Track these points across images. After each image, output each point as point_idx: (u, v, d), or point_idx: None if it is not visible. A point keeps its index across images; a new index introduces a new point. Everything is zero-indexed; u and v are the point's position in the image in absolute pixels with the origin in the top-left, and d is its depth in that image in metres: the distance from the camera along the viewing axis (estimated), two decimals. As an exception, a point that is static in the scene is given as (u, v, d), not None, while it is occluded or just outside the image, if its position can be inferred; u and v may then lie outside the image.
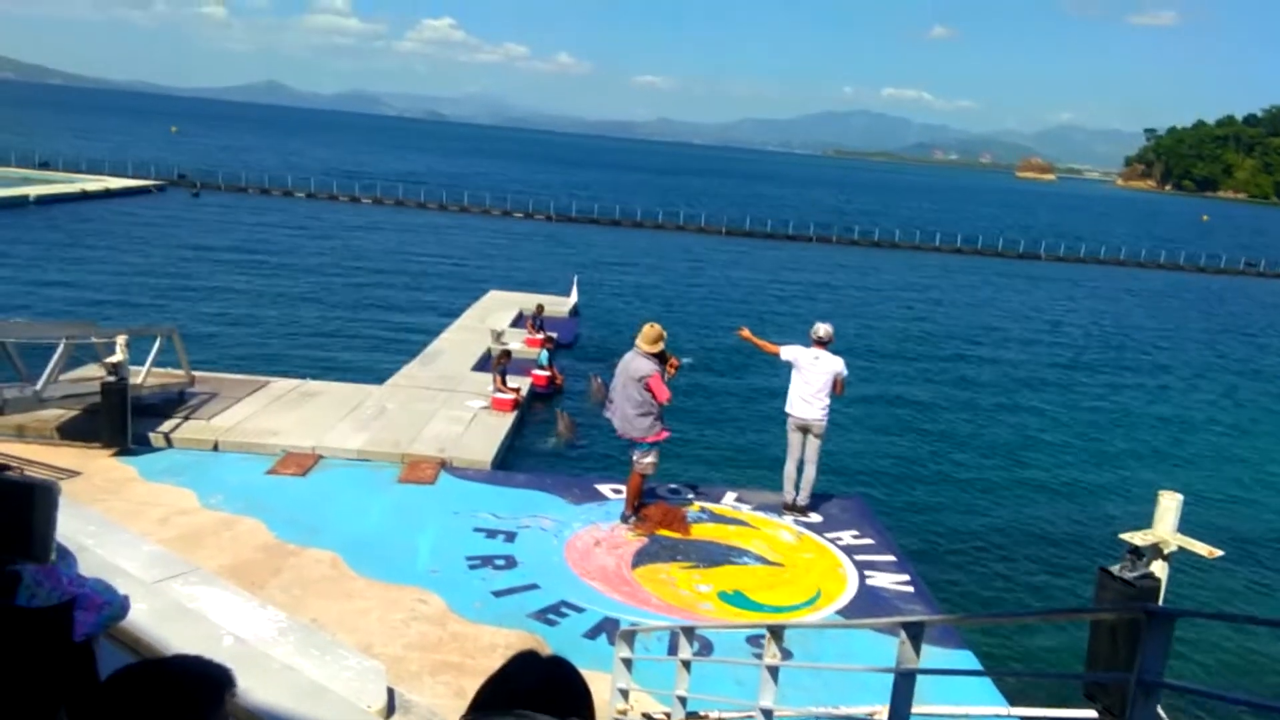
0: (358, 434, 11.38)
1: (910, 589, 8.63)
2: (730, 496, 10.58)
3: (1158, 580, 5.61)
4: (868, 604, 8.18)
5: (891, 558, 9.28)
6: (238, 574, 7.30)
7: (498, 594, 7.65)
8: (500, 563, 8.21)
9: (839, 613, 8.00)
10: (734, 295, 31.65)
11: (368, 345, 20.16)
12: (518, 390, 14.05)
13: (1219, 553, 5.88)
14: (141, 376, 11.11)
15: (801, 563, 9.02)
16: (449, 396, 13.72)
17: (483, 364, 16.27)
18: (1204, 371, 25.43)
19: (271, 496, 9.17)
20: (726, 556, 8.94)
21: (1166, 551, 5.77)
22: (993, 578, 10.90)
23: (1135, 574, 5.62)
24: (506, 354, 14.74)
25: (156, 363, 11.57)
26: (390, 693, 5.26)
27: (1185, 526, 6.31)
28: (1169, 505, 5.75)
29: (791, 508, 10.13)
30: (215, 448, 10.61)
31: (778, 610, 7.91)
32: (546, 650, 6.79)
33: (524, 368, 16.04)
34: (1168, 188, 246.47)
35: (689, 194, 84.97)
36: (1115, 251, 57.97)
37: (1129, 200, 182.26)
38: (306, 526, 8.45)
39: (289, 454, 10.42)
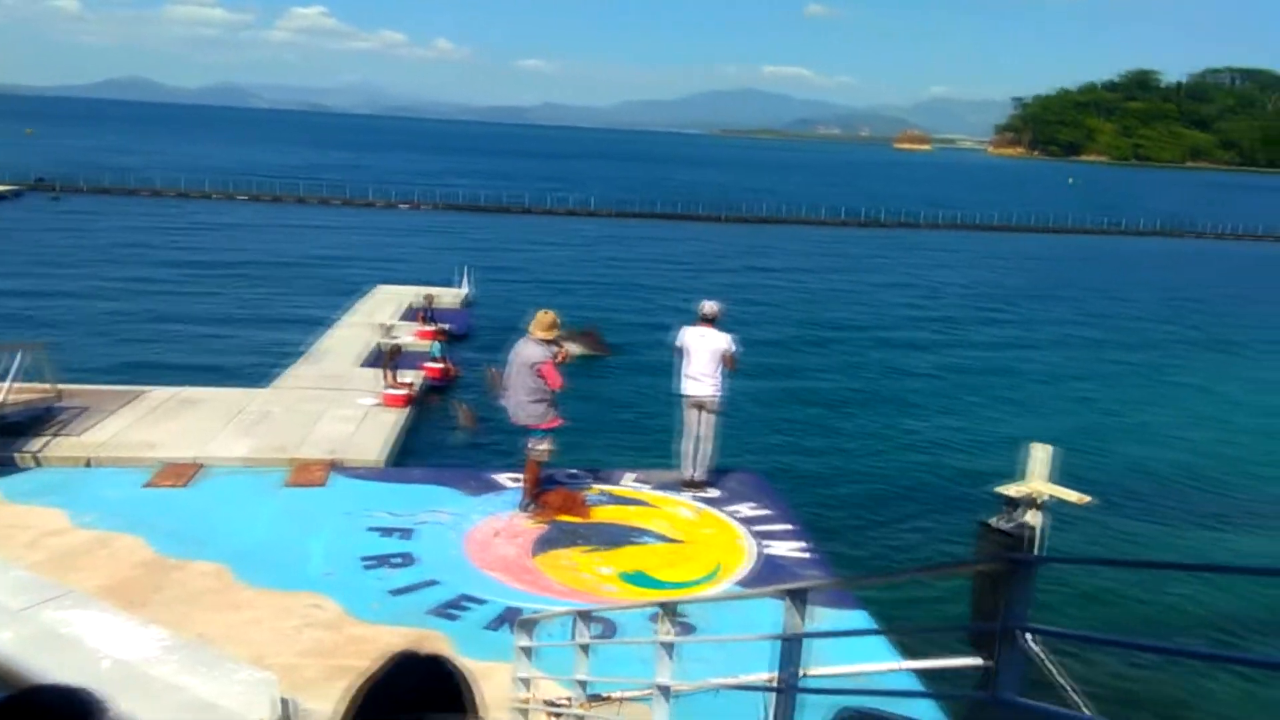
0: (242, 440, 10.99)
1: (808, 555, 8.84)
2: (629, 477, 10.62)
3: (1032, 529, 5.87)
4: (767, 573, 8.33)
5: (789, 526, 9.48)
6: (116, 594, 6.97)
7: (396, 593, 7.51)
8: (397, 561, 8.06)
9: (739, 584, 8.13)
10: (627, 277, 31.73)
11: (250, 348, 19.45)
12: (410, 385, 13.80)
13: (1089, 499, 6.18)
14: (2, 394, 10.47)
15: (702, 538, 9.12)
16: (338, 396, 13.37)
17: (372, 360, 15.91)
18: (1072, 328, 26.71)
19: (150, 511, 8.77)
20: (627, 537, 8.98)
21: (1040, 501, 6.04)
22: (885, 538, 11.24)
23: (1011, 524, 5.88)
24: (397, 348, 14.45)
25: (19, 378, 10.91)
26: (285, 703, 5.11)
27: (1057, 476, 6.62)
28: (1040, 456, 6.01)
29: (690, 484, 10.23)
30: (88, 464, 10.09)
31: (679, 586, 7.99)
32: (442, 647, 6.71)
33: (416, 361, 15.75)
34: (1036, 153, 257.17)
35: (579, 178, 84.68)
36: (989, 217, 60.26)
37: (1000, 167, 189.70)
38: (189, 539, 8.12)
39: (168, 465, 9.98)
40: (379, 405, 12.95)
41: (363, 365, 15.59)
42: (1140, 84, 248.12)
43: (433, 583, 7.71)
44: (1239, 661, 8.64)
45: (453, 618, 7.19)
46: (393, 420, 12.34)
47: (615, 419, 15.25)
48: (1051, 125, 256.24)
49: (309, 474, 9.98)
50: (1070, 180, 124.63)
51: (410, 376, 14.25)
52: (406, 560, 8.08)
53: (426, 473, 10.54)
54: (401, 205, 53.52)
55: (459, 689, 1.44)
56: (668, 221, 53.50)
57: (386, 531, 8.65)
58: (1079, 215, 62.77)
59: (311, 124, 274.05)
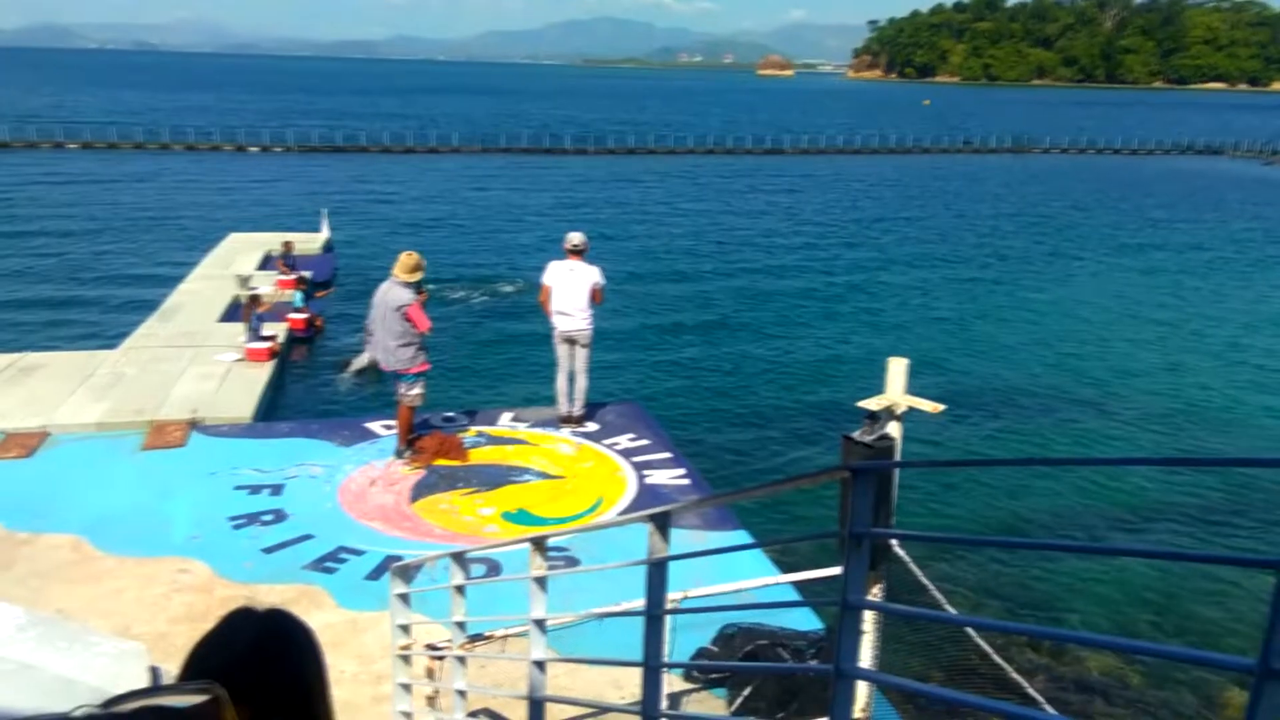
0: (93, 405, 10.39)
1: (687, 481, 9.02)
2: (506, 417, 10.56)
3: (893, 439, 6.13)
4: (648, 502, 8.47)
5: (668, 455, 9.63)
6: (-41, 576, 6.56)
7: (269, 550, 7.31)
8: (268, 518, 7.83)
9: (620, 514, 8.24)
10: (490, 214, 31.17)
11: (97, 308, 18.35)
12: (274, 337, 13.29)
13: (942, 407, 6.48)
14: None
15: (582, 472, 9.19)
16: (196, 353, 12.77)
17: (231, 313, 15.23)
18: (926, 247, 27.78)
19: (-8, 486, 8.24)
20: (507, 477, 8.96)
21: (898, 412, 6.31)
22: (763, 458, 11.60)
23: (873, 436, 6.13)
24: (255, 299, 13.84)
25: None
26: (154, 672, 4.93)
27: (914, 388, 6.92)
28: (897, 370, 6.25)
29: (568, 419, 10.25)
30: (-82, 441, 9.37)
31: (562, 522, 8.05)
32: (322, 601, 6.59)
33: (279, 312, 15.17)
34: (893, 76, 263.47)
35: (436, 114, 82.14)
36: (850, 141, 61.63)
37: (859, 90, 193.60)
38: (38, 511, 7.67)
39: (10, 436, 9.36)
40: (241, 360, 12.44)
41: (221, 319, 14.90)
42: (987, 4, 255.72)
43: (307, 537, 7.53)
44: (1076, 550, 9.32)
45: (330, 571, 7.06)
46: (257, 375, 11.89)
47: (488, 359, 15.12)
48: (906, 48, 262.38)
49: (167, 435, 9.53)
50: (925, 102, 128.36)
51: (273, 328, 13.72)
52: (278, 517, 7.86)
53: (295, 426, 10.22)
54: (251, 149, 50.89)
55: (301, 642, 1.41)
56: (530, 156, 52.67)
57: (255, 489, 8.37)
58: (935, 135, 64.84)
59: (144, 64, 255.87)
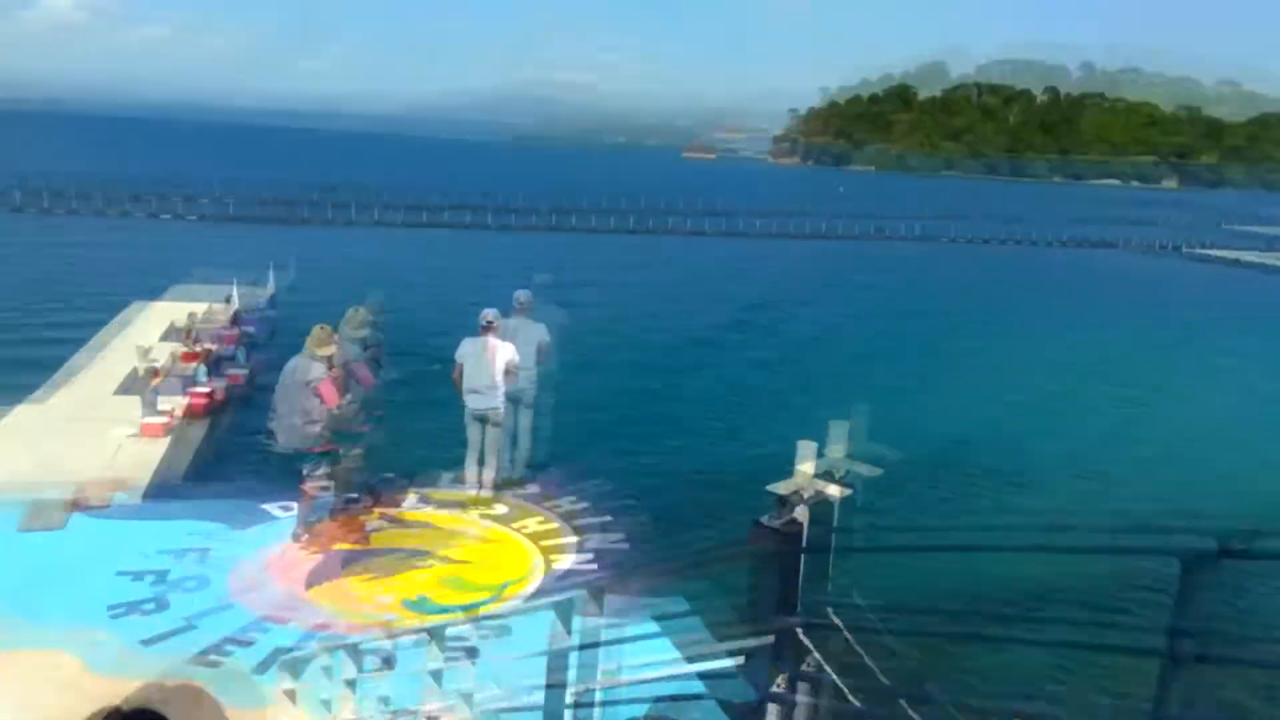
0: (-33, 482, 9.78)
1: (595, 565, 8.84)
2: (412, 497, 10.28)
3: (800, 524, 6.09)
4: (557, 587, 8.26)
5: (576, 537, 9.46)
6: None
7: (148, 642, 6.88)
8: (150, 606, 7.39)
9: (527, 599, 8.00)
10: (410, 288, 30.87)
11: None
12: (171, 412, 12.79)
13: (849, 490, 6.48)
14: None
15: (489, 556, 8.95)
16: (86, 427, 12.20)
17: (128, 386, 14.63)
18: (836, 330, 28.37)
19: None
20: (409, 561, 8.66)
21: (807, 496, 6.30)
22: (671, 540, 11.44)
23: (781, 521, 6.10)
24: (154, 371, 13.33)
25: None
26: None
27: (833, 463, 6.92)
28: (806, 452, 6.25)
29: (476, 501, 10.02)
30: None
31: (465, 608, 7.77)
32: (203, 698, 6.19)
33: (180, 386, 14.61)
34: (811, 162, 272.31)
35: (363, 185, 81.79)
36: (768, 225, 63.12)
37: (779, 175, 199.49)
38: (-107, 601, 7.11)
39: None
40: (135, 436, 11.91)
41: (116, 392, 14.29)
42: (901, 98, 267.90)
43: (192, 626, 7.13)
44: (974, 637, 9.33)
45: (215, 664, 6.67)
46: (150, 451, 11.38)
47: (396, 436, 14.72)
48: (823, 136, 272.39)
49: (46, 516, 8.99)
50: (841, 188, 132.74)
51: (171, 402, 13.20)
52: (161, 605, 7.43)
53: (187, 507, 9.75)
54: (164, 216, 49.75)
55: None
56: (458, 230, 52.65)
57: (137, 575, 7.91)
58: (849, 222, 66.87)
59: (57, 124, 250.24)
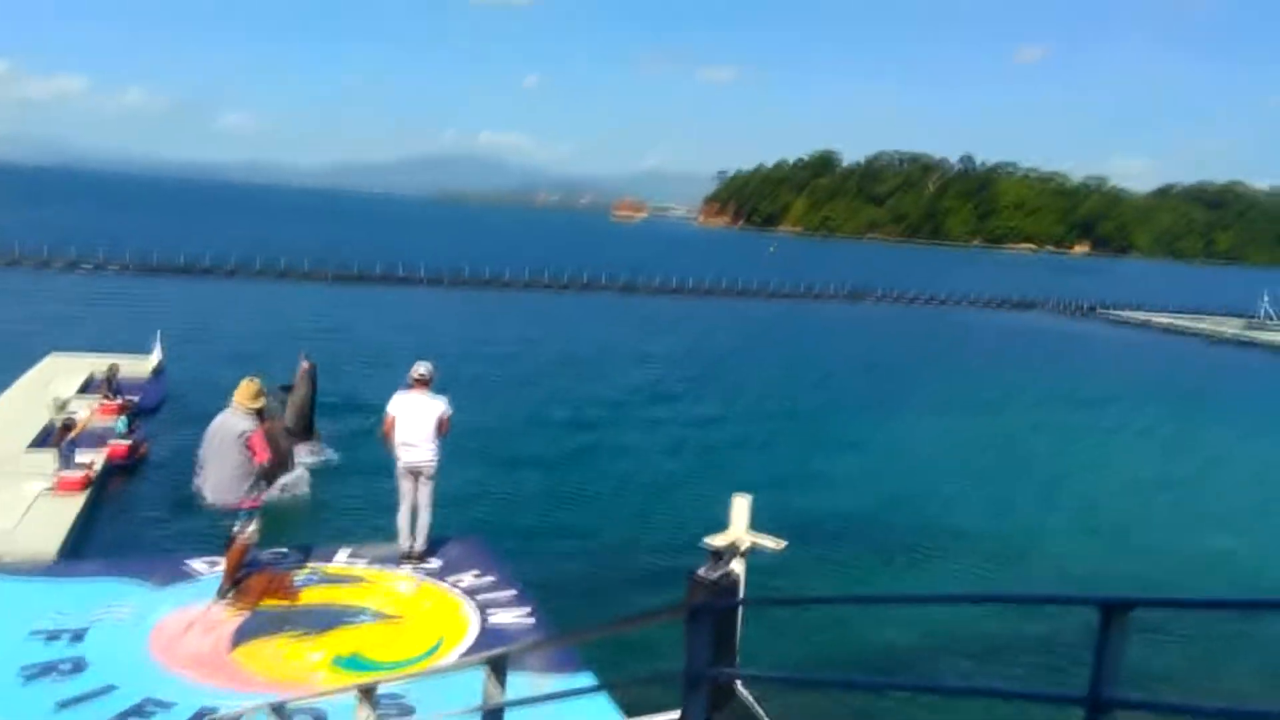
0: None
1: (532, 620, 8.74)
2: (343, 553, 10.05)
3: (736, 577, 6.17)
4: (491, 643, 8.14)
5: (512, 592, 9.34)
6: None
7: (64, 704, 6.58)
8: (66, 667, 7.08)
9: (461, 656, 7.89)
10: (337, 342, 30.44)
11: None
12: (90, 466, 12.38)
13: (784, 544, 6.61)
14: None
15: (421, 613, 8.78)
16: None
17: (43, 439, 14.13)
18: (767, 387, 28.78)
19: None
20: (340, 618, 8.46)
21: (742, 549, 6.39)
22: (607, 594, 11.42)
23: (718, 574, 6.16)
24: (69, 424, 12.92)
25: None
26: None
27: (758, 524, 7.04)
28: (740, 507, 6.37)
29: (409, 556, 9.85)
30: None
31: (397, 666, 7.63)
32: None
33: (99, 439, 14.17)
34: (740, 223, 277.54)
35: (289, 239, 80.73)
36: (699, 282, 64.04)
37: (709, 236, 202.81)
38: None
39: None
40: (50, 491, 11.49)
41: (31, 446, 13.78)
42: (825, 163, 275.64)
43: (109, 689, 6.83)
44: (925, 689, 9.48)
45: (134, 727, 6.41)
46: (67, 508, 10.99)
47: (326, 491, 14.48)
48: (752, 198, 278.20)
49: (-45, 575, 8.60)
50: (771, 249, 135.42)
51: (90, 456, 12.79)
52: (78, 666, 7.12)
53: (106, 565, 9.40)
54: (83, 266, 48.42)
55: None
56: (383, 285, 52.25)
57: (53, 635, 7.58)
58: (779, 281, 68.24)
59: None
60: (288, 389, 15.32)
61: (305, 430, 15.46)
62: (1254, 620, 11.59)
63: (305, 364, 15.63)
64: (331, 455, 16.15)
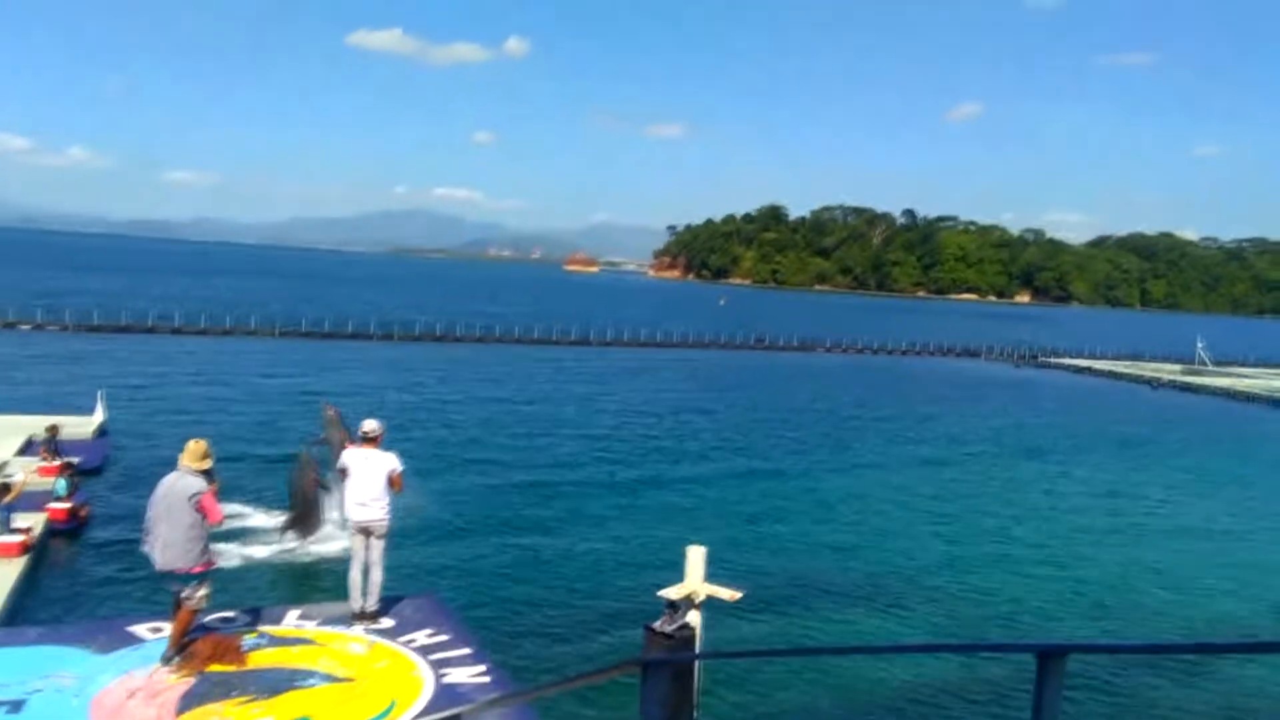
0: None
1: (488, 679, 8.62)
2: (293, 615, 9.84)
3: (692, 629, 6.20)
4: (446, 702, 8.02)
5: (467, 650, 9.21)
6: None
7: (0, 779, 6.35)
8: (3, 740, 6.84)
9: (416, 718, 7.75)
10: (284, 400, 30.06)
11: None
12: (28, 530, 12.03)
13: (740, 594, 6.66)
14: None
15: (374, 674, 8.62)
16: (-70, 548, 11.35)
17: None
18: (719, 438, 28.89)
19: None
20: (290, 681, 8.27)
21: (698, 600, 6.42)
22: (565, 648, 11.31)
23: (674, 626, 6.19)
24: (6, 487, 12.56)
25: None
26: None
27: (713, 575, 7.07)
28: (695, 558, 6.41)
29: (361, 616, 9.68)
30: None
31: (350, 728, 7.47)
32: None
33: (37, 502, 13.79)
34: (691, 276, 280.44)
35: (237, 296, 79.81)
36: (653, 334, 64.44)
37: (660, 288, 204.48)
38: None
39: None
40: (-14, 556, 11.14)
41: (-35, 510, 13.36)
42: (773, 217, 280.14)
43: (49, 761, 6.62)
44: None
45: (74, 801, 6.19)
46: (4, 572, 10.65)
47: (274, 551, 14.21)
48: (702, 251, 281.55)
49: (-116, 647, 8.27)
50: (722, 300, 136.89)
51: (29, 520, 12.43)
52: (16, 738, 6.88)
53: (44, 631, 9.11)
54: (23, 325, 47.33)
55: None
56: (332, 341, 51.78)
57: (-10, 706, 7.33)
58: (731, 332, 68.91)
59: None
60: (320, 441, 15.53)
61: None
62: (1196, 664, 11.81)
63: (330, 411, 15.82)
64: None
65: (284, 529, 14.74)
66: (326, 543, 14.32)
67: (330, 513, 14.77)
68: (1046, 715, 1.59)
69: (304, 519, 14.79)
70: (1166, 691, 11.42)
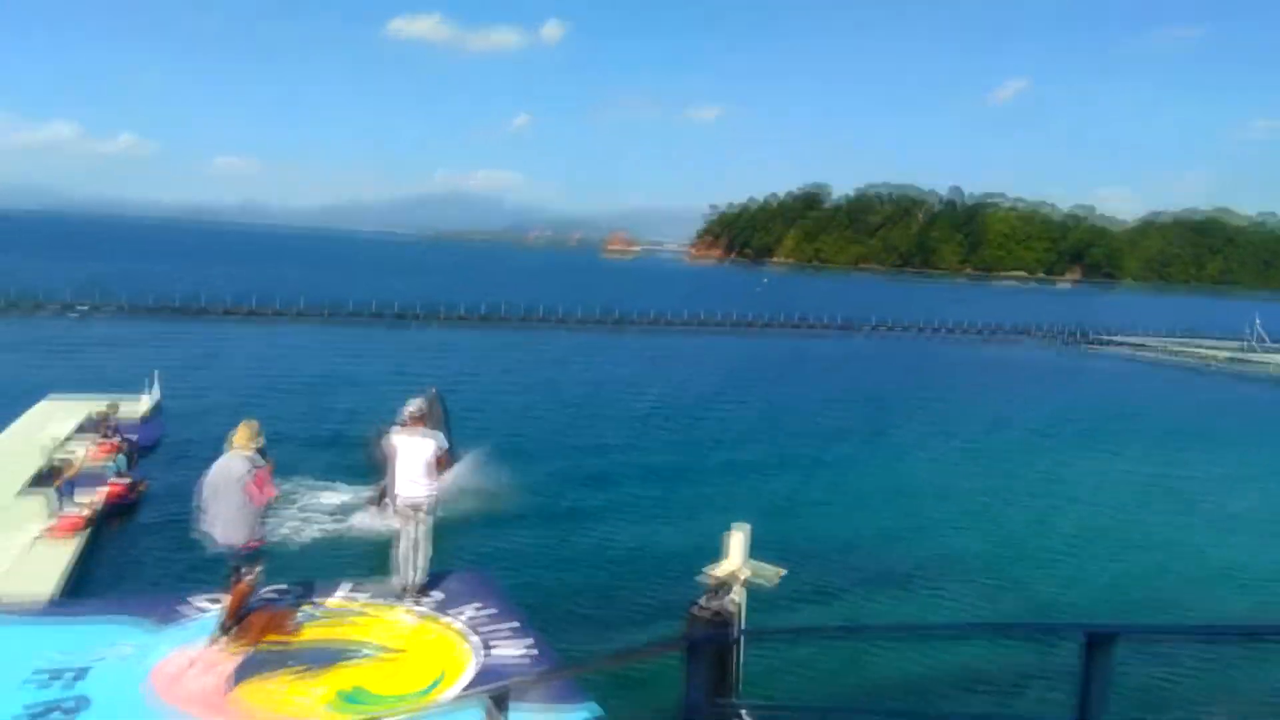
0: None
1: (535, 653, 8.76)
2: (344, 589, 10.08)
3: (735, 608, 6.22)
4: (493, 677, 8.16)
5: (514, 625, 9.36)
6: None
7: (66, 744, 6.60)
8: (69, 706, 7.09)
9: (464, 690, 7.91)
10: (335, 382, 30.52)
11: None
12: (88, 505, 12.39)
13: (784, 571, 6.68)
14: None
15: (423, 646, 8.81)
16: (-4, 524, 11.74)
17: (40, 481, 14.14)
18: (764, 420, 28.84)
19: None
20: (342, 653, 8.48)
21: (741, 580, 6.46)
22: (610, 625, 11.43)
23: (717, 605, 6.22)
24: (65, 465, 12.94)
25: None
26: None
27: (757, 552, 7.11)
28: (738, 538, 6.44)
29: (408, 591, 9.88)
30: None
31: (400, 700, 7.65)
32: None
33: (96, 479, 14.18)
34: (732, 256, 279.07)
35: (283, 280, 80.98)
36: (695, 314, 64.25)
37: (700, 271, 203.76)
38: None
39: None
40: (49, 532, 11.50)
41: (27, 487, 13.79)
42: (815, 197, 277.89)
43: (113, 727, 6.86)
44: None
45: (137, 765, 6.42)
46: (64, 549, 11.00)
47: (325, 528, 14.49)
48: (744, 232, 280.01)
49: (-45, 617, 8.61)
50: (764, 282, 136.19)
51: (87, 497, 12.80)
52: (80, 704, 7.13)
53: (105, 604, 9.42)
54: (80, 307, 48.51)
55: None
56: (378, 323, 52.39)
57: (54, 675, 7.59)
58: (772, 313, 68.56)
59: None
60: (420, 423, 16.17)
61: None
62: (1247, 648, 11.60)
63: (430, 392, 16.54)
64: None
65: (372, 501, 15.24)
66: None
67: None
68: (1094, 699, 1.58)
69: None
70: (1214, 678, 11.25)
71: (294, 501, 15.28)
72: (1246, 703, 10.72)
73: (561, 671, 6.20)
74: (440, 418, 16.48)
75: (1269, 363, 54.14)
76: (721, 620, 6.19)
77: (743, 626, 6.49)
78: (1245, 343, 64.09)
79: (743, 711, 6.37)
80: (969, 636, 11.67)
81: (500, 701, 2.54)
